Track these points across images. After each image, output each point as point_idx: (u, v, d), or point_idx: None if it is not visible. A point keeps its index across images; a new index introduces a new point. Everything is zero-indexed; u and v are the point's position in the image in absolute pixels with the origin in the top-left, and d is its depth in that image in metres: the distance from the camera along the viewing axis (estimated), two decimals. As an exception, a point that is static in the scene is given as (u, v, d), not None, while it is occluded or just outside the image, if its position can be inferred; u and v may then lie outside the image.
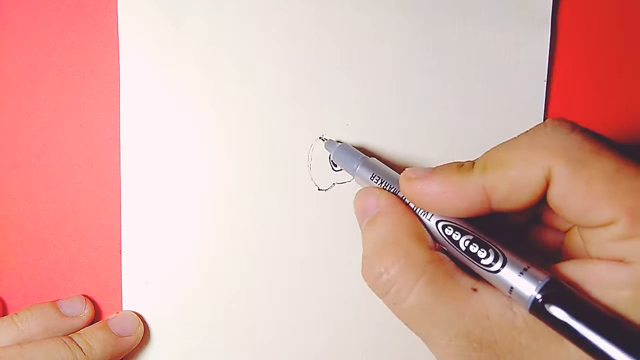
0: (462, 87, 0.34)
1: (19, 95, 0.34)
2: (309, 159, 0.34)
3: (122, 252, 0.34)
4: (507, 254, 0.23)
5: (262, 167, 0.34)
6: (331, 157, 0.32)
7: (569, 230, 0.27)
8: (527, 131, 0.23)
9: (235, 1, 0.33)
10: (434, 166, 0.26)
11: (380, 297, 0.25)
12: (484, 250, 0.23)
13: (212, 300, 0.34)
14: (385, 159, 0.33)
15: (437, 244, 0.26)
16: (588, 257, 0.23)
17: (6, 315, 0.34)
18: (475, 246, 0.24)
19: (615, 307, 0.21)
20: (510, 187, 0.22)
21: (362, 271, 0.26)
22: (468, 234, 0.24)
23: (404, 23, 0.33)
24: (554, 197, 0.22)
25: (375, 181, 0.29)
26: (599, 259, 0.22)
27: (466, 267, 0.25)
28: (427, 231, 0.26)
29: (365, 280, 0.26)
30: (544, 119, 0.34)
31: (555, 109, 0.34)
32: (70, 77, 0.34)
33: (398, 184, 0.27)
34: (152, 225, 0.34)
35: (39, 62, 0.34)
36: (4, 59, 0.34)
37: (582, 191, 0.21)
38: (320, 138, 0.33)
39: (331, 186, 0.34)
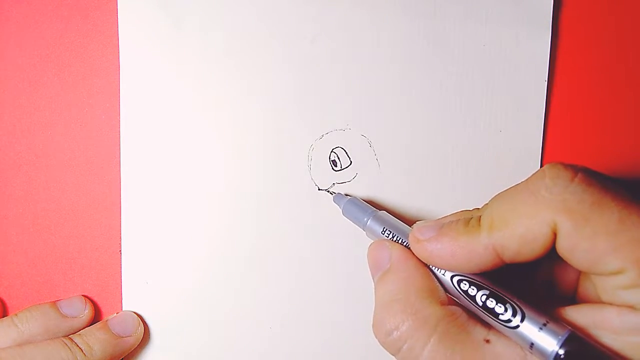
0: (463, 87, 0.34)
1: (19, 95, 0.34)
2: (309, 159, 0.34)
3: (122, 252, 0.34)
4: (525, 309, 0.23)
5: (262, 167, 0.34)
6: (341, 211, 0.32)
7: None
8: (527, 181, 0.23)
9: (235, 1, 0.33)
10: (441, 218, 0.26)
11: (393, 354, 0.25)
12: (502, 305, 0.24)
13: (212, 300, 0.34)
14: (392, 210, 0.33)
15: (449, 297, 0.26)
16: (600, 301, 0.23)
17: (6, 315, 0.34)
18: (492, 301, 0.24)
19: (624, 352, 0.21)
20: (519, 244, 0.22)
21: (373, 327, 0.26)
22: (484, 288, 0.24)
23: (404, 23, 0.33)
24: (561, 250, 0.22)
25: (387, 235, 0.29)
26: (610, 304, 0.22)
27: (477, 316, 0.25)
28: (440, 286, 0.26)
29: (376, 337, 0.26)
30: (545, 119, 0.34)
31: (556, 109, 0.34)
32: (70, 77, 0.34)
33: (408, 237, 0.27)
34: (152, 225, 0.34)
35: (39, 62, 0.34)
36: (4, 59, 0.34)
37: (586, 247, 0.21)
38: (327, 191, 0.34)
39: (331, 186, 0.34)
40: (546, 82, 0.34)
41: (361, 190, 0.34)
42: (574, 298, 0.27)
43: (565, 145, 0.35)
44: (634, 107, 0.35)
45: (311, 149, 0.34)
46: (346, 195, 0.33)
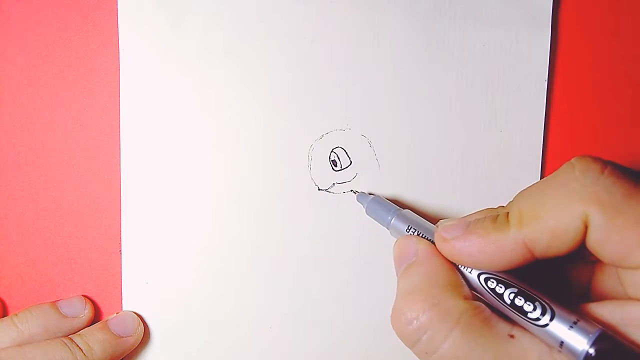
0: (463, 87, 0.34)
1: (19, 95, 0.34)
2: (309, 159, 0.34)
3: (122, 252, 0.34)
4: (554, 307, 0.23)
5: (262, 167, 0.34)
6: (364, 209, 0.32)
7: (599, 264, 0.26)
8: (555, 174, 0.23)
9: (235, 1, 0.33)
10: (465, 216, 0.26)
11: (410, 346, 0.24)
12: (530, 304, 0.23)
13: (212, 300, 0.34)
14: (415, 207, 0.33)
15: (473, 293, 0.25)
16: (626, 297, 0.23)
17: (6, 315, 0.34)
18: (520, 299, 0.24)
19: None
20: (551, 238, 0.22)
21: (391, 316, 0.25)
22: (512, 286, 0.24)
23: (404, 23, 0.33)
24: (591, 243, 0.22)
25: (412, 233, 0.29)
26: (638, 300, 0.22)
27: (502, 312, 0.24)
28: (464, 282, 0.25)
29: (394, 327, 0.25)
30: (545, 119, 0.34)
31: (557, 109, 0.34)
32: (70, 77, 0.34)
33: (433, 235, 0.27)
34: (152, 225, 0.34)
35: (39, 62, 0.34)
36: (4, 59, 0.34)
37: (618, 238, 0.21)
38: (351, 191, 0.34)
39: (331, 186, 0.34)
40: (546, 82, 0.34)
41: (361, 189, 0.34)
42: (588, 297, 0.26)
43: (566, 144, 0.35)
44: (634, 106, 0.35)
45: (311, 149, 0.34)
46: (370, 194, 0.33)
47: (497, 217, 0.24)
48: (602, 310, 0.23)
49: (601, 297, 0.26)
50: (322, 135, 0.34)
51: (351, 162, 0.34)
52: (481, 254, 0.24)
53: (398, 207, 0.31)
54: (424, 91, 0.34)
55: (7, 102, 0.34)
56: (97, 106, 0.34)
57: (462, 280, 0.25)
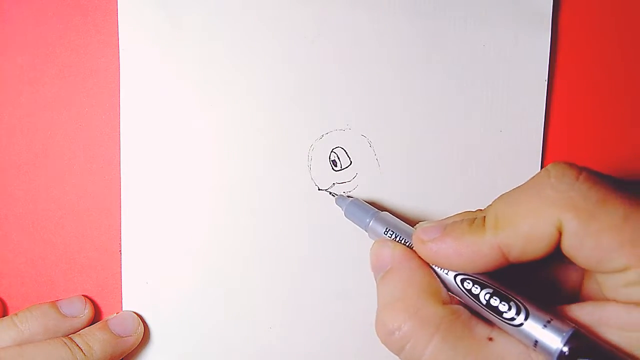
0: (463, 87, 0.34)
1: (19, 95, 0.34)
2: (309, 159, 0.34)
3: (122, 252, 0.34)
4: (529, 307, 0.23)
5: (262, 167, 0.34)
6: (343, 212, 0.32)
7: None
8: (531, 180, 0.23)
9: (235, 1, 0.33)
10: (444, 219, 0.26)
11: (396, 354, 0.25)
12: (505, 304, 0.24)
13: (212, 300, 0.34)
14: (393, 210, 0.33)
15: (452, 297, 0.26)
16: (604, 299, 0.23)
17: (6, 315, 0.34)
18: (496, 299, 0.24)
19: (630, 349, 0.21)
20: (525, 243, 0.22)
21: (375, 326, 0.26)
22: (488, 287, 0.24)
23: (404, 23, 0.33)
24: (566, 248, 0.22)
25: (389, 235, 0.29)
26: (615, 301, 0.22)
27: (480, 314, 0.25)
28: (442, 285, 0.26)
29: (378, 336, 0.25)
30: (545, 119, 0.34)
31: (557, 109, 0.34)
32: (70, 77, 0.34)
33: (411, 237, 0.27)
34: (152, 225, 0.34)
35: (39, 62, 0.34)
36: (4, 59, 0.34)
37: (592, 244, 0.21)
38: (328, 191, 0.34)
39: (331, 186, 0.34)
40: (546, 82, 0.34)
41: (361, 189, 0.34)
42: (577, 299, 0.27)
43: (566, 144, 0.35)
44: (634, 106, 0.35)
45: (311, 149, 0.34)
46: (348, 196, 0.33)
47: (474, 220, 0.24)
48: (581, 311, 0.23)
49: (586, 299, 0.26)
50: (322, 135, 0.34)
51: (351, 162, 0.34)
52: (457, 256, 0.24)
53: (377, 210, 0.31)
54: (424, 91, 0.34)
55: (7, 102, 0.34)
56: (97, 106, 0.34)
57: (440, 283, 0.26)
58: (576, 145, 0.35)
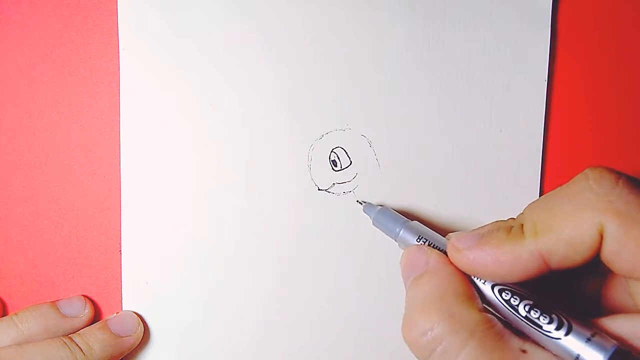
0: (463, 87, 0.34)
1: (19, 95, 0.34)
2: (309, 159, 0.34)
3: (122, 252, 0.34)
4: (571, 321, 0.23)
5: (262, 167, 0.34)
6: (371, 221, 0.32)
7: (610, 277, 0.26)
8: (568, 185, 0.23)
9: (235, 1, 0.33)
10: (477, 228, 0.26)
11: (422, 357, 0.24)
12: (547, 317, 0.23)
13: (212, 300, 0.34)
14: (424, 218, 0.33)
15: (484, 306, 0.25)
16: (637, 310, 0.23)
17: (6, 315, 0.34)
18: (536, 312, 0.23)
19: None
20: (567, 248, 0.22)
21: (402, 327, 0.25)
22: (527, 298, 0.24)
23: (404, 23, 0.33)
24: (606, 253, 0.22)
25: (422, 243, 0.28)
26: None
27: (513, 326, 0.24)
28: (477, 294, 0.25)
29: (406, 338, 0.24)
30: (545, 119, 0.34)
31: (557, 109, 0.34)
32: (70, 77, 0.34)
33: (444, 246, 0.26)
34: (152, 225, 0.34)
35: (39, 62, 0.34)
36: (4, 59, 0.34)
37: (633, 249, 0.21)
38: (357, 202, 0.33)
39: (331, 186, 0.34)
40: (546, 82, 0.34)
41: (361, 189, 0.34)
42: (594, 309, 0.26)
43: (566, 144, 0.35)
44: (634, 106, 0.35)
45: (311, 149, 0.34)
46: (378, 205, 0.33)
47: (511, 228, 0.24)
48: (613, 324, 0.22)
49: (610, 310, 0.25)
50: (322, 135, 0.34)
51: (351, 162, 0.34)
52: (496, 264, 0.23)
53: (406, 219, 0.30)
54: (424, 91, 0.34)
55: (7, 102, 0.34)
56: (97, 106, 0.34)
57: (475, 291, 0.25)
58: (576, 146, 0.35)
